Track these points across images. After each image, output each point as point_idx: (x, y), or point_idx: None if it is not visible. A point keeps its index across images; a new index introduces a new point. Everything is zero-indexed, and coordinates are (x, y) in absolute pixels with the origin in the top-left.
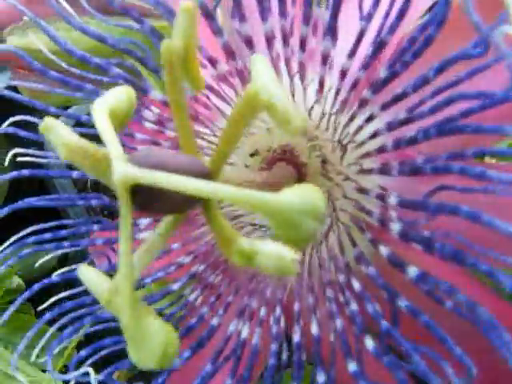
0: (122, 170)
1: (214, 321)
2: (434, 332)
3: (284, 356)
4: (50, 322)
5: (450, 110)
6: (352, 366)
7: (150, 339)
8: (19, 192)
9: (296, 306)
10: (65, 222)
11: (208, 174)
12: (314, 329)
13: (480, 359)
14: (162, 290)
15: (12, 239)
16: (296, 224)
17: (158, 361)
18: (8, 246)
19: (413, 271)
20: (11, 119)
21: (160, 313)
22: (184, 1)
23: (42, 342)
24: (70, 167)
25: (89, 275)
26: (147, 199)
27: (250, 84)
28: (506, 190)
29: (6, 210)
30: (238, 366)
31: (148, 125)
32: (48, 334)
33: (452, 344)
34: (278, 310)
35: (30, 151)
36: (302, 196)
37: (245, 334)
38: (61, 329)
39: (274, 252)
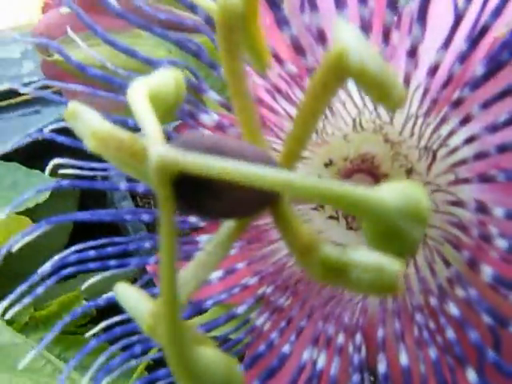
0: (160, 152)
1: (286, 348)
2: None
3: None
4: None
5: None
6: None
7: (205, 374)
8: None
9: (380, 333)
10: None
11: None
12: (403, 359)
13: None
14: (226, 314)
15: (55, 258)
16: (399, 228)
17: None
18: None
19: None
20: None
21: (225, 339)
22: None
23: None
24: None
25: (127, 295)
26: (196, 196)
27: (332, 46)
28: None
29: (43, 224)
30: None
31: (206, 132)
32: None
33: None
34: (359, 337)
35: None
36: (406, 194)
37: (321, 363)
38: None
39: (372, 263)
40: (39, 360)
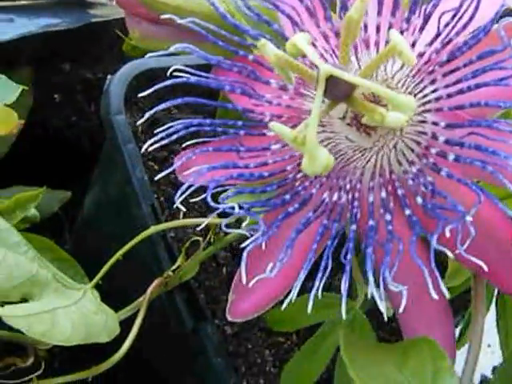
0: (325, 67)
1: (307, 194)
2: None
3: None
4: None
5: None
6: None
7: (320, 155)
8: None
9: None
10: None
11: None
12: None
13: None
14: None
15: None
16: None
17: (323, 168)
18: None
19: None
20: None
21: None
22: None
23: None
24: None
25: (281, 131)
26: (330, 87)
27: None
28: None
29: None
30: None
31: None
32: None
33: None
34: (357, 194)
35: None
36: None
37: (335, 198)
38: None
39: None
40: None
